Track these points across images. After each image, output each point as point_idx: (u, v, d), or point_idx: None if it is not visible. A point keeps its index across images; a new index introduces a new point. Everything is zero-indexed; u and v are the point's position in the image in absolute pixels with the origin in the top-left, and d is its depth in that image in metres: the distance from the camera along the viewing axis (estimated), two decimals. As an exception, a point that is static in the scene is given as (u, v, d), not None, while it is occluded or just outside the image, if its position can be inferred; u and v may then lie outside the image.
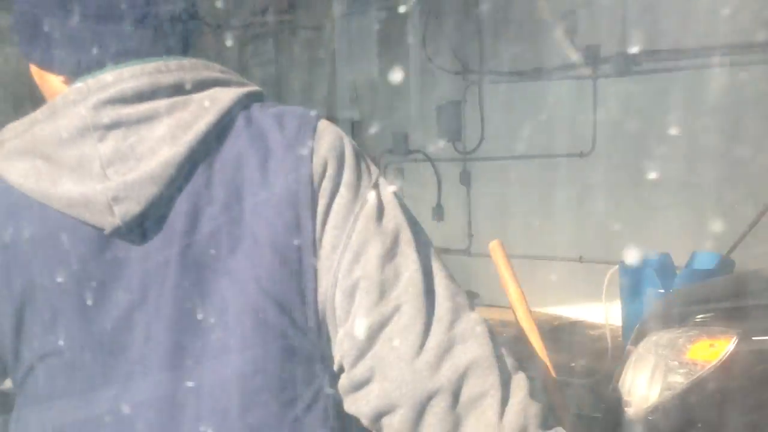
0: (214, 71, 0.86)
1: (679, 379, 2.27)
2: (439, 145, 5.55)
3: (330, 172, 0.81)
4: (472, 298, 0.86)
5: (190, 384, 0.81)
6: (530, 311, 1.01)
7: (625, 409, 2.36)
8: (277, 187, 0.80)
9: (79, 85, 0.81)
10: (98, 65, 0.83)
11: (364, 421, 0.83)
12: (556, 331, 4.89)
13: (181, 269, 0.80)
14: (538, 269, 4.79)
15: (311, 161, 0.81)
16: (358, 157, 0.85)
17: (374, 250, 0.82)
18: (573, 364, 4.12)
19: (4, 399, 0.98)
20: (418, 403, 0.80)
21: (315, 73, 6.06)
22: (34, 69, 0.91)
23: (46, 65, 0.87)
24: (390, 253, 0.83)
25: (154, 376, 0.83)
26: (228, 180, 0.81)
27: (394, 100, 5.80)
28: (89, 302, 0.82)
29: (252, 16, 5.44)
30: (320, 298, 0.80)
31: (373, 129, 5.87)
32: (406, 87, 5.70)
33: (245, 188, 0.81)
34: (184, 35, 0.89)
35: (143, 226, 0.81)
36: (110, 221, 0.80)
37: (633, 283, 4.14)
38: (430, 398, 0.80)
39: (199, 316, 0.81)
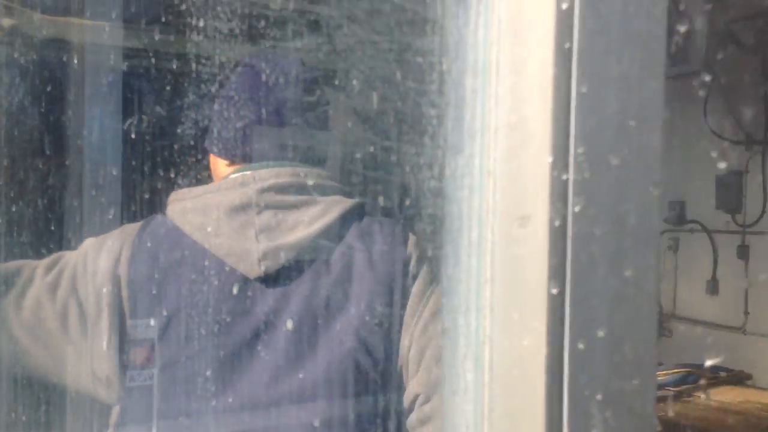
0: (333, 181, 1.29)
1: None
2: (717, 217, 5.58)
3: (414, 264, 1.25)
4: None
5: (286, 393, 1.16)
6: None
7: None
8: (380, 271, 1.25)
9: (247, 173, 1.28)
10: (259, 160, 1.28)
11: None
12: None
13: (299, 317, 1.19)
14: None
15: (405, 255, 1.25)
16: (428, 257, 1.30)
17: (436, 326, 1.23)
18: None
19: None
20: None
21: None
22: (212, 156, 1.36)
23: (223, 155, 1.37)
24: None
25: (258, 391, 1.18)
26: (342, 261, 1.23)
27: (672, 167, 5.92)
28: (226, 323, 1.24)
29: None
30: (402, 351, 1.22)
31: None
32: (685, 154, 5.82)
33: (354, 269, 1.22)
34: (311, 148, 1.36)
35: (277, 279, 1.21)
36: (256, 271, 1.20)
37: None
38: None
39: (303, 353, 1.19)
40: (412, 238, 1.29)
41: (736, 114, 5.58)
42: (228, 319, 1.20)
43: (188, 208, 1.28)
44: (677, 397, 4.68)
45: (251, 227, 1.21)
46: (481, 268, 0.50)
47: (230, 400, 1.19)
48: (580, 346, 0.46)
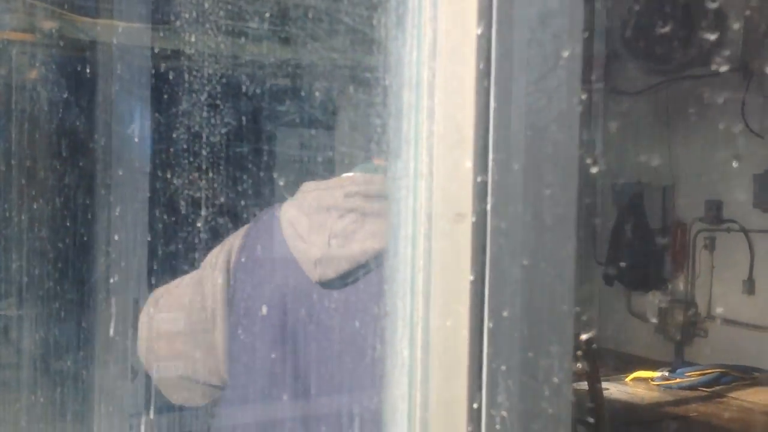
0: None
1: None
2: (754, 216, 5.56)
3: None
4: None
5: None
6: None
7: None
8: None
9: (347, 175, 1.25)
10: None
11: None
12: None
13: (343, 321, 1.22)
14: None
15: None
16: None
17: None
18: None
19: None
20: None
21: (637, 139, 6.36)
22: None
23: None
24: None
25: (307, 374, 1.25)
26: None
27: (708, 166, 5.90)
28: (290, 314, 1.26)
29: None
30: None
31: (685, 195, 6.02)
32: (722, 153, 5.79)
33: None
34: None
35: (332, 285, 1.23)
36: (316, 275, 1.22)
37: None
38: None
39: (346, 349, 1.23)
40: None
41: (775, 112, 5.55)
42: (290, 311, 1.26)
43: (295, 203, 1.29)
44: (710, 397, 4.68)
45: (326, 231, 1.21)
46: (415, 259, 0.58)
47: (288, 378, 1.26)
48: (493, 324, 0.54)
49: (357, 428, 1.12)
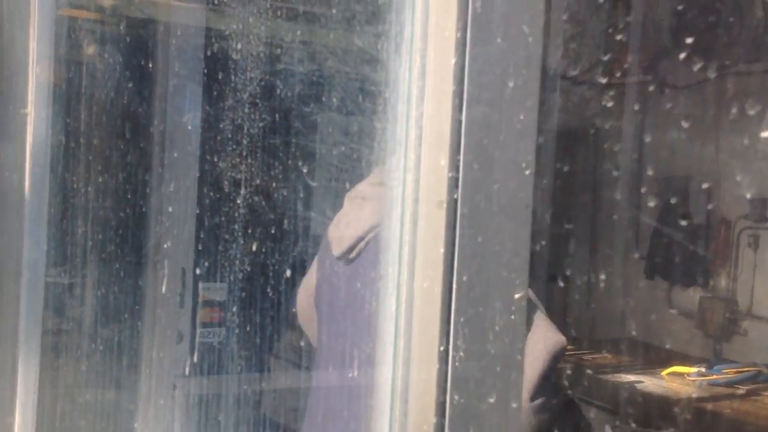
0: None
1: None
2: (799, 215, 5.57)
3: None
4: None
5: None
6: None
7: None
8: None
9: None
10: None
11: None
12: None
13: (350, 285, 1.60)
14: None
15: None
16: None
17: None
18: None
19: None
20: None
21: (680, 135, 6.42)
22: None
23: None
24: None
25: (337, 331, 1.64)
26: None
27: (754, 163, 5.92)
28: (326, 284, 1.68)
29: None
30: None
31: (728, 192, 6.05)
32: (766, 147, 5.80)
33: None
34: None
35: (342, 258, 1.60)
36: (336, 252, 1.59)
37: None
38: None
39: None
40: None
41: (825, 111, 5.53)
42: (327, 282, 1.72)
43: (359, 192, 1.69)
44: (745, 395, 4.74)
45: (345, 216, 1.63)
46: (404, 235, 0.76)
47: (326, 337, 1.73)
48: (457, 286, 0.72)
49: (356, 367, 1.37)
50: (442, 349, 0.72)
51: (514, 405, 0.70)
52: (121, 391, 2.56)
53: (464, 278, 0.71)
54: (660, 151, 6.36)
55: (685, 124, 6.25)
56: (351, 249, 1.55)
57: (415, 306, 0.75)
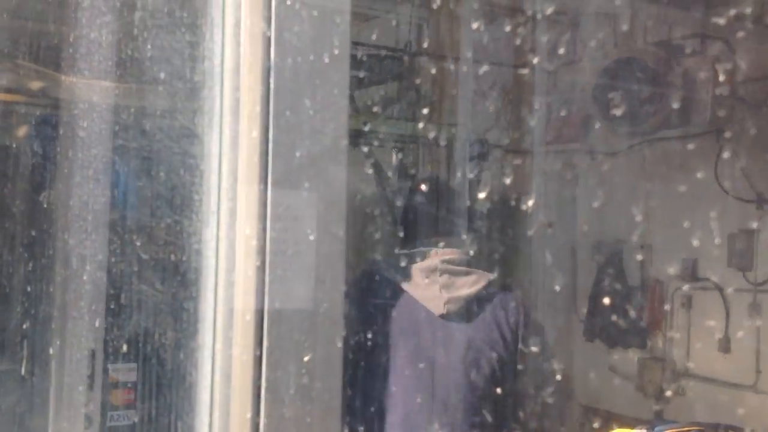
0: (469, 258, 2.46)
1: None
2: (728, 275, 5.75)
3: (523, 319, 2.39)
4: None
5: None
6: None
7: None
8: (507, 323, 2.28)
9: (434, 249, 2.45)
10: (437, 240, 2.45)
11: None
12: None
13: (466, 348, 2.07)
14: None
15: (517, 313, 2.33)
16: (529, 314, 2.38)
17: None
18: None
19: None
20: None
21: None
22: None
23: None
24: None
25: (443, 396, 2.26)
26: (489, 312, 2.35)
27: (684, 224, 6.12)
28: (423, 346, 2.33)
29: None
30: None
31: (661, 255, 6.23)
32: (696, 213, 6.00)
33: (497, 318, 2.34)
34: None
35: (452, 318, 2.27)
36: (442, 310, 2.32)
37: None
38: None
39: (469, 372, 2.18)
40: (522, 305, 2.55)
41: (747, 173, 5.78)
42: (423, 343, 2.37)
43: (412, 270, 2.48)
44: (687, 455, 4.78)
45: (437, 284, 2.37)
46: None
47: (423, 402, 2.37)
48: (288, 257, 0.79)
49: None
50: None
51: None
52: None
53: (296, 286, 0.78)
54: (593, 215, 6.53)
55: (615, 189, 6.45)
56: (461, 310, 2.42)
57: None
